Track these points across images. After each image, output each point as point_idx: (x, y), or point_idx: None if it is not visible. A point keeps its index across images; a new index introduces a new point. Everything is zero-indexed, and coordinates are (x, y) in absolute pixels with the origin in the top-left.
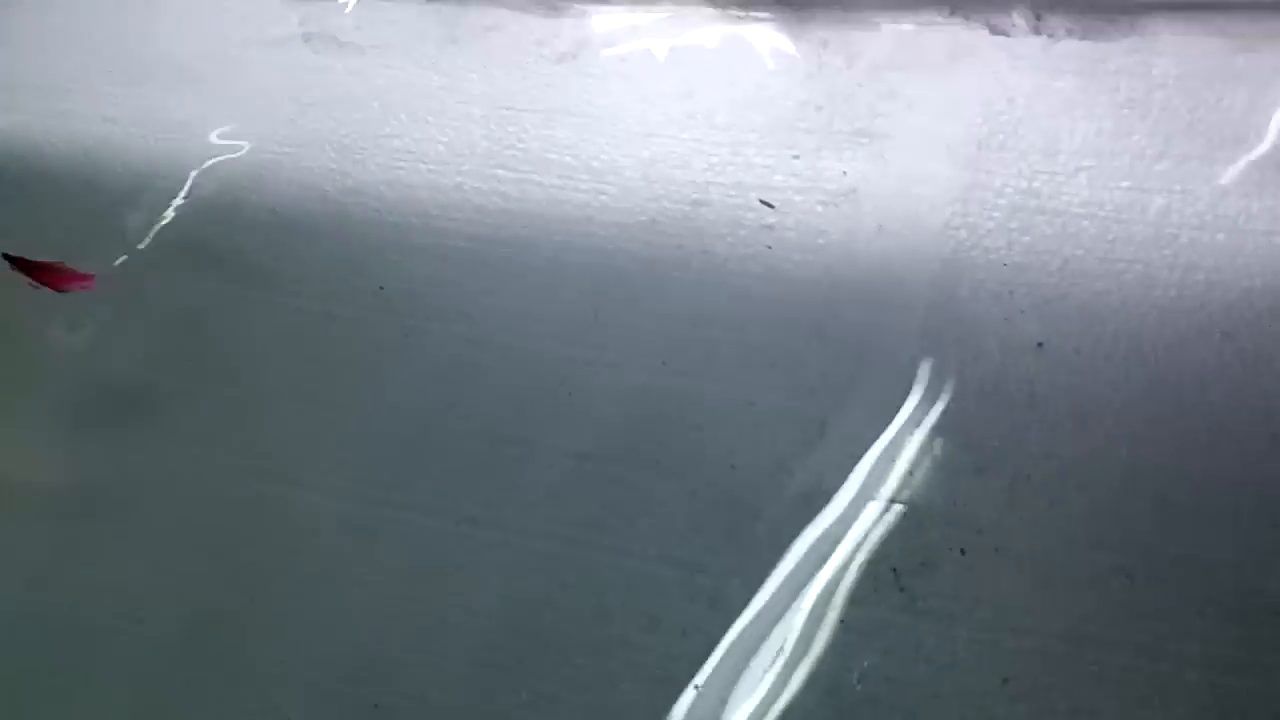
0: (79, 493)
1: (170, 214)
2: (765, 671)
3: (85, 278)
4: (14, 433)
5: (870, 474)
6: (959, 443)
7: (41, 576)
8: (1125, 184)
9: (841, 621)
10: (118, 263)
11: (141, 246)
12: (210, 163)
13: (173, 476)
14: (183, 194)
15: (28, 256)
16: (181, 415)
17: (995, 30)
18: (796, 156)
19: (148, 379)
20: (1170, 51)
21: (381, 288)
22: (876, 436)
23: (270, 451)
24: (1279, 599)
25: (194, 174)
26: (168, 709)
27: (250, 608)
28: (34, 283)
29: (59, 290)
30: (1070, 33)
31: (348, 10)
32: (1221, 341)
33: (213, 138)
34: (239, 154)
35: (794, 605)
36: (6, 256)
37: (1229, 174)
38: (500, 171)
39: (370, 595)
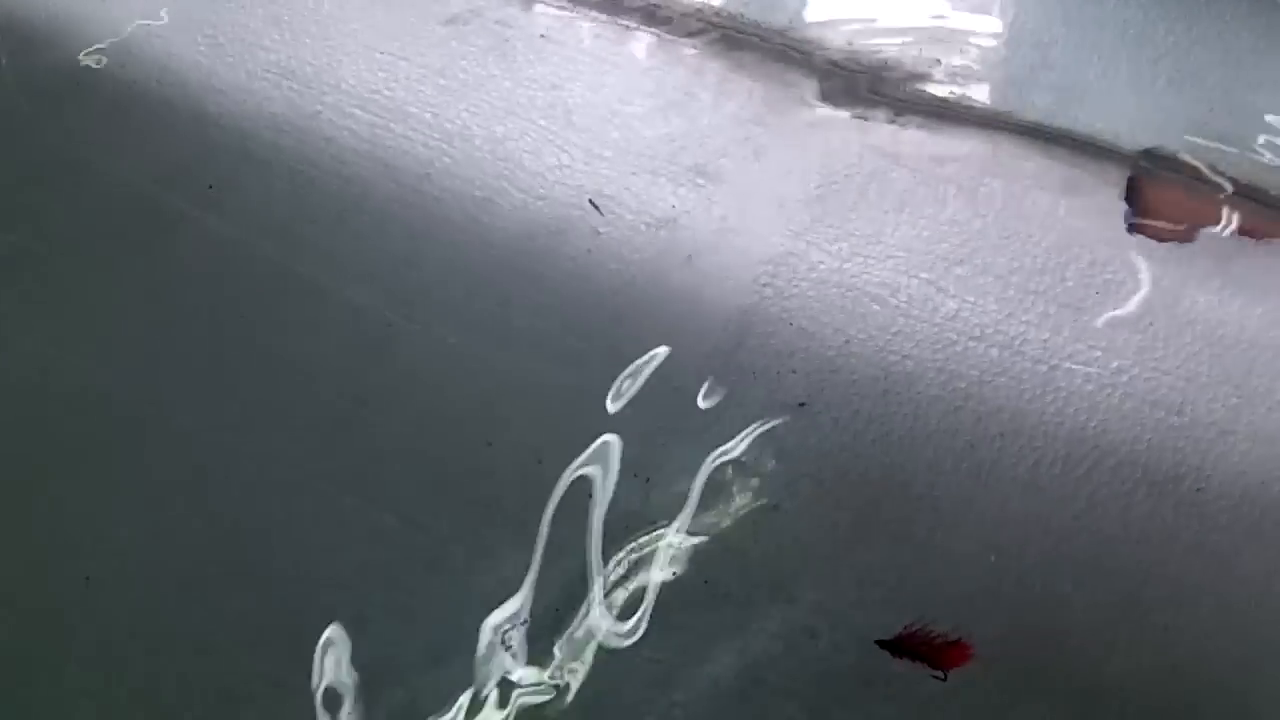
0: None
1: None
2: None
3: None
4: None
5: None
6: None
7: None
8: (925, 275)
9: None
10: None
11: None
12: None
13: None
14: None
15: None
16: None
17: (856, 115)
18: (635, 174)
19: None
20: (1003, 175)
21: (211, 187)
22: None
23: None
24: None
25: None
26: None
27: None
28: None
29: None
30: (921, 127)
31: None
32: (962, 451)
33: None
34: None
35: None
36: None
37: (1020, 299)
38: (358, 111)
39: None
